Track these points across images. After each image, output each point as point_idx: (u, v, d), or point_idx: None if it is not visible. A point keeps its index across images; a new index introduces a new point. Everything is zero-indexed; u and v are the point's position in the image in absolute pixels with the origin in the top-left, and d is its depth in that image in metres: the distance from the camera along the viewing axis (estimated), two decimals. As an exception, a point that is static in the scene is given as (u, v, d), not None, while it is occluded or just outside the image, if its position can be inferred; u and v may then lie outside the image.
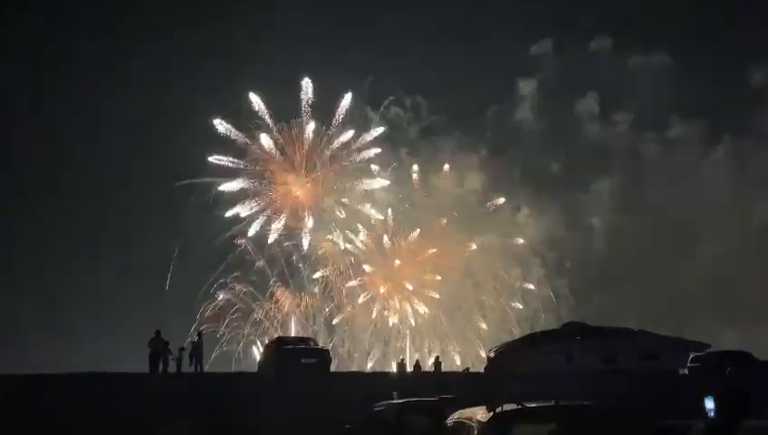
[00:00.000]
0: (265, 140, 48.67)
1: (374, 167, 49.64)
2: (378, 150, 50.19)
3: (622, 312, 43.83)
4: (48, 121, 49.90)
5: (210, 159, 47.04)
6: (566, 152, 52.03)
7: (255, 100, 48.05)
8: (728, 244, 48.17)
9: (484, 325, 49.76)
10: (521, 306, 49.97)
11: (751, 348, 25.08)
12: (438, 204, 50.25)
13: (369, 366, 47.53)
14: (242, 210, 47.87)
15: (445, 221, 50.25)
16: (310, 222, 49.06)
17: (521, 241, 50.52)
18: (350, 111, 49.65)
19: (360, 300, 49.43)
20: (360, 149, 49.93)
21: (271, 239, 48.25)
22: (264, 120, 48.27)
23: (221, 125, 47.23)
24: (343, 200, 49.93)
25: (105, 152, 50.08)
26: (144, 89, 49.87)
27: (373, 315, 49.24)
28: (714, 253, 48.30)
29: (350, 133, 49.82)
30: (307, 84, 48.65)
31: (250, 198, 48.33)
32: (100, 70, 49.90)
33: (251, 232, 48.01)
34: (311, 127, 49.36)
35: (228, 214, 47.57)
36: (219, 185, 47.18)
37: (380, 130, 50.49)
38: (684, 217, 49.33)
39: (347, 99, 49.37)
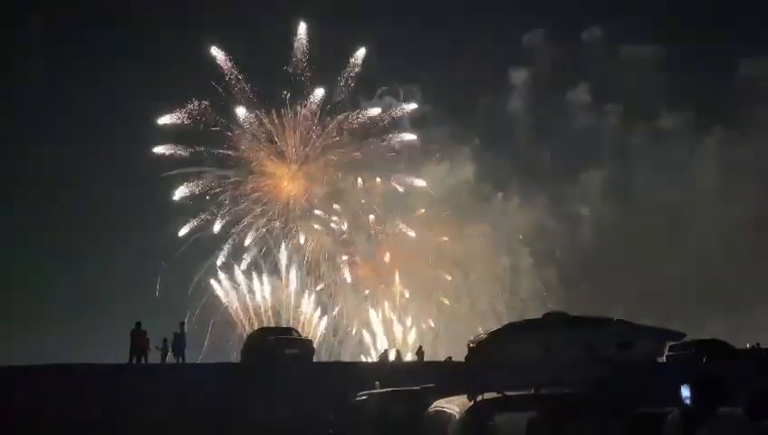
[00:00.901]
0: (245, 115, 46.18)
1: (357, 154, 48.93)
2: (412, 136, 47.83)
3: (611, 301, 44.37)
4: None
5: (188, 152, 45.94)
6: (557, 142, 52.43)
7: (220, 56, 44.76)
8: (716, 233, 48.83)
9: (474, 316, 49.86)
10: (515, 304, 50.10)
11: (736, 336, 25.60)
12: (431, 194, 50.13)
13: (356, 357, 47.56)
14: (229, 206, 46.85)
15: (435, 212, 49.95)
16: (302, 237, 47.21)
17: (519, 237, 50.63)
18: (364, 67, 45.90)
19: (349, 304, 48.83)
20: (386, 131, 47.17)
21: (257, 236, 47.41)
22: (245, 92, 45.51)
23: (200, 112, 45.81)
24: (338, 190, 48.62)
25: (92, 149, 49.34)
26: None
27: (354, 332, 48.63)
28: (701, 242, 48.95)
29: (376, 110, 46.78)
30: (302, 32, 45.34)
31: (235, 191, 47.32)
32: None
33: (241, 228, 47.32)
34: (317, 94, 45.42)
35: (215, 208, 46.86)
36: (207, 174, 46.31)
37: (412, 106, 47.84)
38: (672, 207, 49.91)
39: (359, 55, 46.35)
